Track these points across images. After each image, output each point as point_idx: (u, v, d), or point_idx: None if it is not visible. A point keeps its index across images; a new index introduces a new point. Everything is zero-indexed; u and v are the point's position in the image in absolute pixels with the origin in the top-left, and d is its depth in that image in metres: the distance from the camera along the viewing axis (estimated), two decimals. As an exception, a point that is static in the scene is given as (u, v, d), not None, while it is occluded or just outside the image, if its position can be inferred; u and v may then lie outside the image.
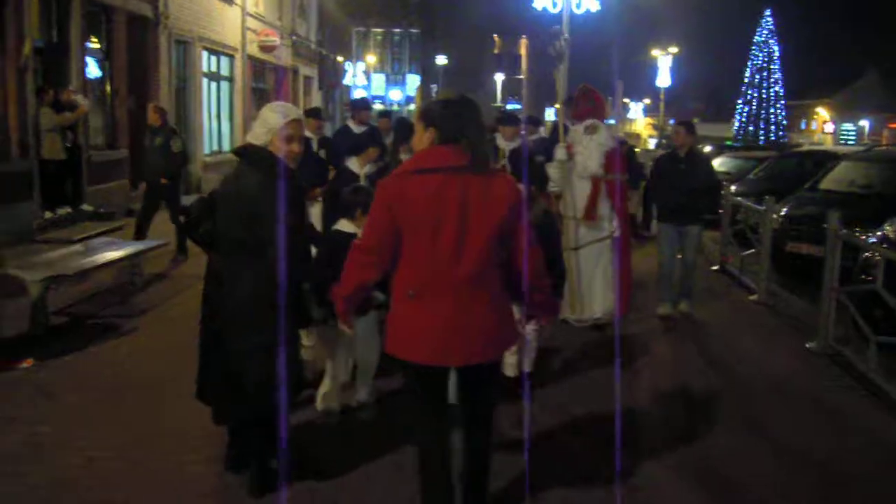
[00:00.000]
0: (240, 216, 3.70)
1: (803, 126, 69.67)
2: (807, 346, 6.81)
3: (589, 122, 7.21)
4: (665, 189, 8.09)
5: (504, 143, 8.64)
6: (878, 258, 6.37)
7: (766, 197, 9.30)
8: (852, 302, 6.50)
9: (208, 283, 4.07)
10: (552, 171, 7.37)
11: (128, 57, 14.91)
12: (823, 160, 13.72)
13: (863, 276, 6.71)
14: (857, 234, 7.62)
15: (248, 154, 3.84)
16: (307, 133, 8.21)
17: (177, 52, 17.55)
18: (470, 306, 3.08)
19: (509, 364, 5.44)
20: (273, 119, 3.79)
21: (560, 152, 7.36)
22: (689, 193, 7.71)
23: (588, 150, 7.11)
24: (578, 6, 18.72)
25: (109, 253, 7.84)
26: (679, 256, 8.08)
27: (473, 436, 3.30)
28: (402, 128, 9.07)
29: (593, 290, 7.11)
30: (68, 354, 6.12)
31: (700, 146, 8.33)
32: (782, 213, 10.60)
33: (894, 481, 4.38)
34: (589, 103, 7.42)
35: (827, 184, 11.63)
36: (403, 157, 7.64)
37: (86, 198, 12.89)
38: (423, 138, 3.17)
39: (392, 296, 3.20)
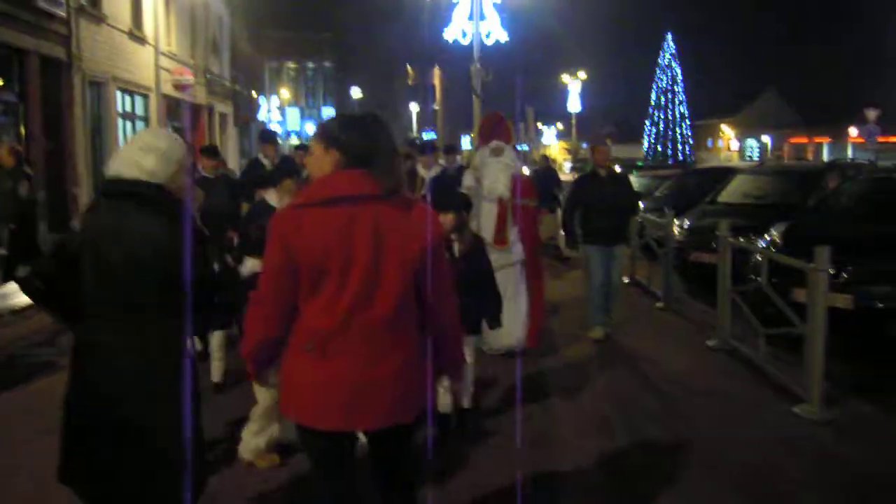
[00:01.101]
0: (145, 268, 2.96)
1: (710, 144, 72.34)
2: (707, 343, 7.39)
3: (494, 143, 7.18)
4: (590, 210, 7.86)
5: (424, 172, 8.89)
6: (761, 260, 7.00)
7: (666, 211, 9.96)
8: (745, 301, 7.11)
9: (82, 364, 3.09)
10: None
11: (42, 100, 14.91)
12: (721, 175, 14.57)
13: (751, 277, 7.33)
14: (752, 239, 8.34)
15: (145, 195, 3.01)
16: (205, 173, 8.32)
17: (91, 93, 17.56)
18: (385, 355, 2.64)
19: (443, 403, 5.14)
20: (177, 150, 3.11)
21: (467, 178, 7.45)
22: (615, 214, 7.74)
23: (494, 173, 7.06)
24: (488, 36, 19.36)
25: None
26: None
27: (394, 501, 2.96)
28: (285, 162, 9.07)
29: (511, 315, 6.53)
30: (12, 389, 6.26)
31: (612, 165, 8.61)
32: (685, 226, 11.34)
33: (773, 453, 4.90)
34: (495, 128, 7.46)
35: (725, 196, 12.44)
36: None
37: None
38: (322, 162, 2.67)
39: (286, 349, 2.75)
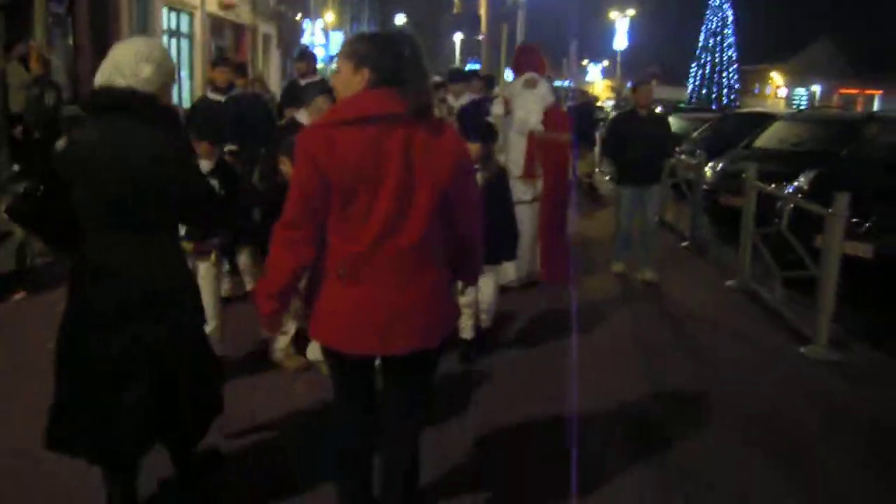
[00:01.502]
0: (136, 188, 2.80)
1: (757, 91, 70.87)
2: (727, 284, 7.55)
3: (528, 75, 7.01)
4: (625, 149, 7.76)
5: (453, 101, 8.76)
6: (783, 205, 7.11)
7: (698, 152, 10.02)
8: (767, 245, 7.24)
9: (82, 288, 2.94)
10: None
11: (89, 13, 15.13)
12: (760, 121, 14.46)
13: (775, 221, 7.44)
14: (782, 185, 8.41)
15: (138, 106, 2.85)
16: (260, 91, 8.43)
17: (138, 8, 17.73)
18: (414, 282, 2.62)
19: (465, 327, 5.23)
20: (168, 62, 3.00)
21: (497, 107, 7.28)
22: (650, 153, 7.64)
23: (527, 105, 6.93)
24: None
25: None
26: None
27: (403, 432, 2.94)
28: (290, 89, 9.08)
29: (523, 248, 6.54)
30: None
31: (654, 107, 8.42)
32: (717, 169, 11.40)
33: (779, 394, 5.11)
34: (528, 58, 7.28)
35: (761, 142, 12.39)
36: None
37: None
38: (351, 81, 2.60)
39: (314, 272, 2.70)
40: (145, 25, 18.39)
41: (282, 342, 4.89)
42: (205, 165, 4.46)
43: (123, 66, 2.87)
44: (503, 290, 6.18)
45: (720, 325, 6.45)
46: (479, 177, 4.95)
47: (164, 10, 19.78)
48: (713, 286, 7.65)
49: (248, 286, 6.22)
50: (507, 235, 5.22)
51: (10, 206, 2.98)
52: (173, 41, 20.75)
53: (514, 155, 6.93)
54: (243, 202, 4.84)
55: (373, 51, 2.59)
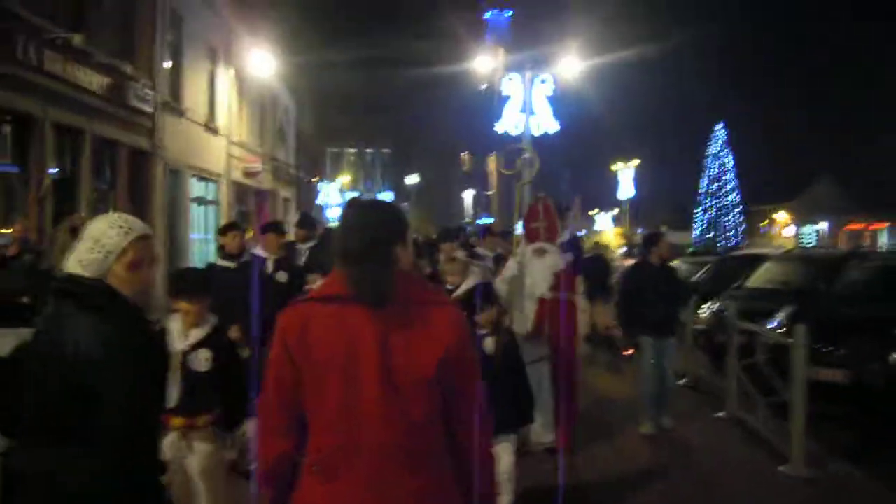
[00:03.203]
0: (64, 387, 2.46)
1: (764, 231, 72.30)
2: (717, 414, 8.21)
3: (537, 245, 7.14)
4: (643, 301, 7.67)
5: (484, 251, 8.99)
6: (762, 340, 7.87)
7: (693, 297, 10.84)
8: (751, 376, 7.94)
9: (7, 493, 2.64)
10: (500, 284, 7.14)
11: (128, 186, 16.52)
12: (753, 262, 15.35)
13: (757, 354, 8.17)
14: (763, 322, 9.16)
15: (75, 292, 2.57)
16: (263, 253, 7.52)
17: (170, 179, 19.20)
18: (397, 486, 2.24)
19: None
20: (112, 237, 2.63)
21: (511, 267, 7.36)
22: (668, 305, 7.67)
23: (537, 273, 7.04)
24: (538, 127, 20.51)
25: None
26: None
27: None
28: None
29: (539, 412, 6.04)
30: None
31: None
32: (713, 310, 12.19)
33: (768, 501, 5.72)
34: (539, 223, 7.30)
35: (753, 282, 13.23)
36: None
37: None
38: None
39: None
40: (177, 195, 19.83)
41: None
42: (195, 333, 4.28)
43: (76, 250, 2.66)
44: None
45: (712, 450, 7.08)
46: (490, 342, 5.01)
47: (193, 181, 21.31)
48: (706, 417, 8.28)
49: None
50: (521, 399, 5.05)
51: None
52: (201, 208, 22.21)
53: (525, 316, 6.96)
54: (235, 383, 4.33)
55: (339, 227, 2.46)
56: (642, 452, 7.06)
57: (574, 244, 8.21)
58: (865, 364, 7.69)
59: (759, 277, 13.26)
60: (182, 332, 4.29)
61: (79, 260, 2.62)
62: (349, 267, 2.32)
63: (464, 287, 6.16)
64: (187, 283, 4.47)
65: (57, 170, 13.55)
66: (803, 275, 12.65)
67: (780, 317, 9.04)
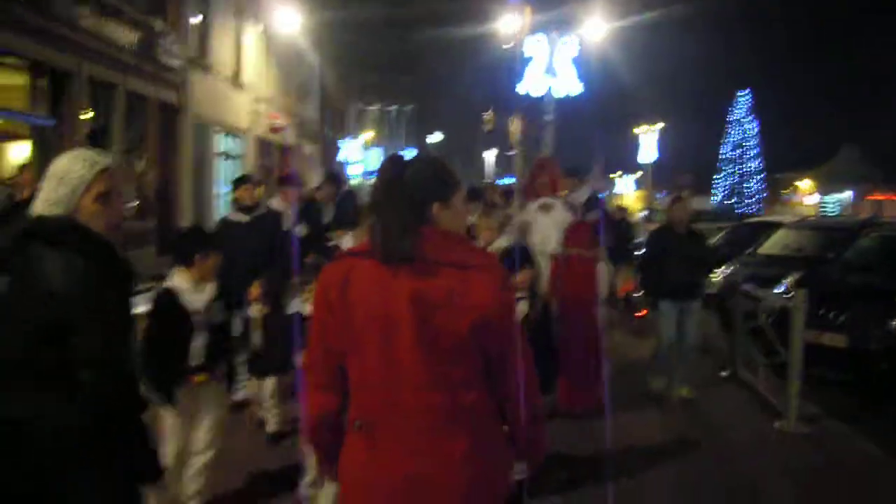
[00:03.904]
0: (35, 327, 2.40)
1: (787, 199, 72.00)
2: (721, 374, 8.56)
3: (542, 200, 7.14)
4: (663, 264, 7.59)
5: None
6: (766, 304, 8.18)
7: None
8: (755, 339, 8.28)
9: None
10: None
11: (157, 139, 16.93)
12: (769, 228, 15.59)
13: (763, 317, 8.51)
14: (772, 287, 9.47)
15: (42, 231, 2.50)
16: (278, 205, 7.58)
17: (196, 134, 19.59)
18: (439, 447, 2.20)
19: None
20: (76, 172, 2.58)
21: (515, 224, 7.16)
22: (687, 268, 7.51)
23: (545, 229, 7.00)
24: (561, 89, 20.54)
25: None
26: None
27: None
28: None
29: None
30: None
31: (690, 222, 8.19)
32: (725, 275, 12.47)
33: (750, 457, 6.11)
34: (542, 179, 7.37)
35: (765, 249, 13.49)
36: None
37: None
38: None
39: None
40: (203, 149, 20.23)
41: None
42: (197, 298, 4.32)
43: (42, 189, 2.62)
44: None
45: (714, 406, 7.45)
46: (524, 305, 4.81)
47: (219, 135, 21.69)
48: (711, 376, 8.62)
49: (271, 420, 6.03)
50: (548, 368, 4.89)
51: None
52: (225, 163, 22.61)
53: (543, 275, 6.77)
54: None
55: (373, 182, 2.40)
56: (651, 411, 7.28)
57: (596, 204, 8.22)
58: (866, 330, 7.97)
59: (773, 244, 13.52)
60: (193, 289, 4.32)
61: (45, 199, 2.57)
62: (373, 222, 2.27)
63: (497, 244, 5.90)
64: (200, 239, 4.50)
65: (90, 123, 13.96)
66: (815, 243, 12.93)
67: (787, 282, 9.32)
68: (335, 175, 10.26)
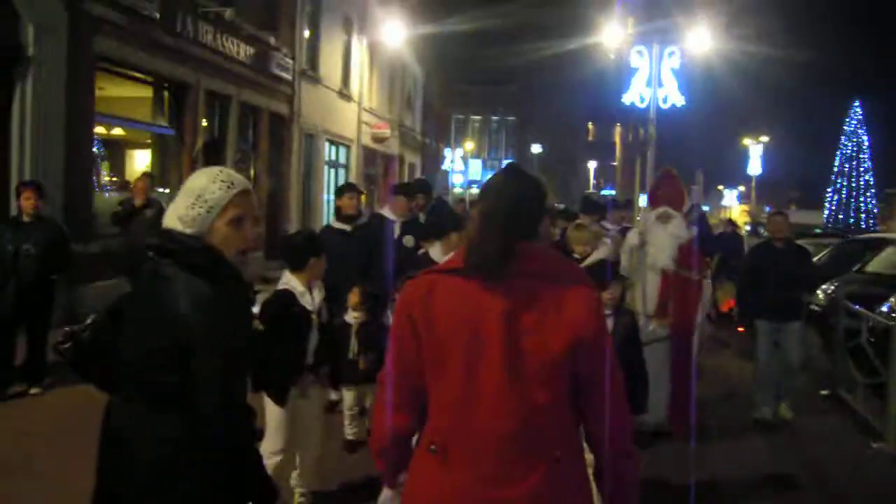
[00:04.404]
0: (160, 347, 2.38)
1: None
2: (821, 392, 8.48)
3: (662, 210, 6.79)
4: (761, 280, 7.34)
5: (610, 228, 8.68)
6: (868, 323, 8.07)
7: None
8: (856, 358, 8.17)
9: (104, 447, 2.55)
10: (622, 257, 6.94)
11: (269, 148, 17.70)
12: (877, 245, 15.16)
13: (864, 336, 8.38)
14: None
15: (175, 250, 2.45)
16: (391, 215, 7.47)
17: (306, 143, 20.35)
18: (520, 476, 2.09)
19: None
20: (214, 192, 2.50)
21: (632, 236, 7.06)
22: (787, 286, 7.23)
23: (660, 241, 6.71)
24: (665, 101, 20.46)
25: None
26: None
27: None
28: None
29: (656, 392, 5.70)
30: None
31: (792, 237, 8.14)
32: (828, 292, 12.23)
33: (859, 471, 6.09)
34: (665, 189, 7.08)
35: (873, 266, 13.14)
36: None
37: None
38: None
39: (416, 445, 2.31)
40: (311, 158, 20.98)
41: None
42: (310, 300, 4.51)
43: (172, 203, 2.57)
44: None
45: (813, 427, 7.42)
46: (610, 322, 4.53)
47: (327, 145, 22.45)
48: (812, 394, 8.53)
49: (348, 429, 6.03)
50: (636, 387, 4.53)
51: (58, 345, 2.72)
52: (333, 171, 23.36)
53: (648, 290, 6.75)
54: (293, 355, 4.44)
55: (482, 191, 2.32)
56: (749, 434, 7.10)
57: (700, 219, 7.98)
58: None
59: (881, 261, 13.16)
60: (306, 290, 4.52)
61: (178, 216, 2.49)
62: (476, 233, 2.18)
63: (593, 258, 5.77)
64: (312, 243, 4.65)
65: (207, 133, 14.76)
66: (927, 261, 12.53)
67: (892, 301, 9.14)
68: (426, 184, 10.10)
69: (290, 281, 4.54)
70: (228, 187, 2.51)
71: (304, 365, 4.47)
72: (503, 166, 2.33)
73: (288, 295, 4.47)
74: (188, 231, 2.46)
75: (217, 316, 2.36)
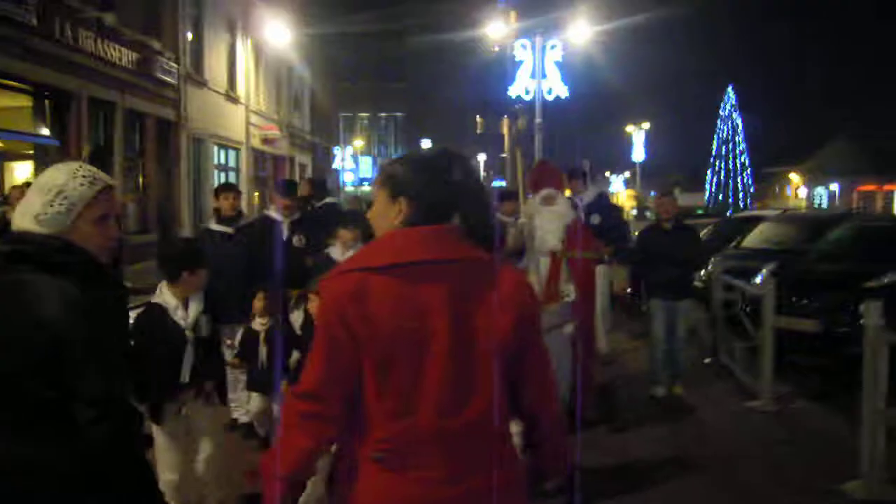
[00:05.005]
0: (22, 362, 2.14)
1: (778, 192, 72.57)
2: (704, 360, 9.10)
3: (545, 191, 6.62)
4: (653, 262, 7.60)
5: (507, 220, 8.56)
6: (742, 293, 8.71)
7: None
8: (734, 327, 8.81)
9: None
10: (510, 238, 6.78)
11: (156, 154, 17.45)
12: (753, 223, 16.11)
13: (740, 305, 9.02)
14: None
15: (33, 252, 2.23)
16: (275, 214, 7.00)
17: (194, 148, 20.12)
18: (474, 474, 2.06)
19: None
20: (76, 188, 2.31)
21: (521, 222, 6.86)
22: (678, 266, 7.48)
23: (545, 223, 6.52)
24: (549, 92, 21.09)
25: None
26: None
27: None
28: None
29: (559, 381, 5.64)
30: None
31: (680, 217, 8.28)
32: (708, 269, 13.00)
33: (724, 429, 6.62)
34: (543, 175, 6.92)
35: (748, 242, 14.02)
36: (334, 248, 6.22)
37: (124, 277, 15.18)
38: (387, 214, 2.13)
39: (344, 454, 2.20)
40: (199, 162, 20.74)
41: None
42: (196, 302, 4.28)
43: (23, 202, 2.36)
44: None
45: (696, 389, 7.94)
46: None
47: (216, 148, 22.21)
48: (695, 363, 9.10)
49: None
50: None
51: None
52: (222, 175, 23.13)
53: (543, 275, 6.47)
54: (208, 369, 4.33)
55: (413, 176, 2.14)
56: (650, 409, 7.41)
57: (612, 206, 8.40)
58: (834, 314, 8.49)
59: (755, 237, 14.04)
60: (180, 304, 4.24)
61: (33, 215, 2.28)
62: (462, 221, 2.13)
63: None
64: (188, 255, 4.37)
65: (92, 141, 14.47)
66: (793, 235, 13.45)
67: (763, 273, 9.85)
68: (315, 182, 10.11)
69: (164, 294, 4.28)
70: (91, 183, 2.34)
71: (178, 383, 4.18)
72: (439, 154, 2.27)
73: (159, 309, 4.22)
74: (45, 231, 2.26)
75: (88, 318, 2.16)
